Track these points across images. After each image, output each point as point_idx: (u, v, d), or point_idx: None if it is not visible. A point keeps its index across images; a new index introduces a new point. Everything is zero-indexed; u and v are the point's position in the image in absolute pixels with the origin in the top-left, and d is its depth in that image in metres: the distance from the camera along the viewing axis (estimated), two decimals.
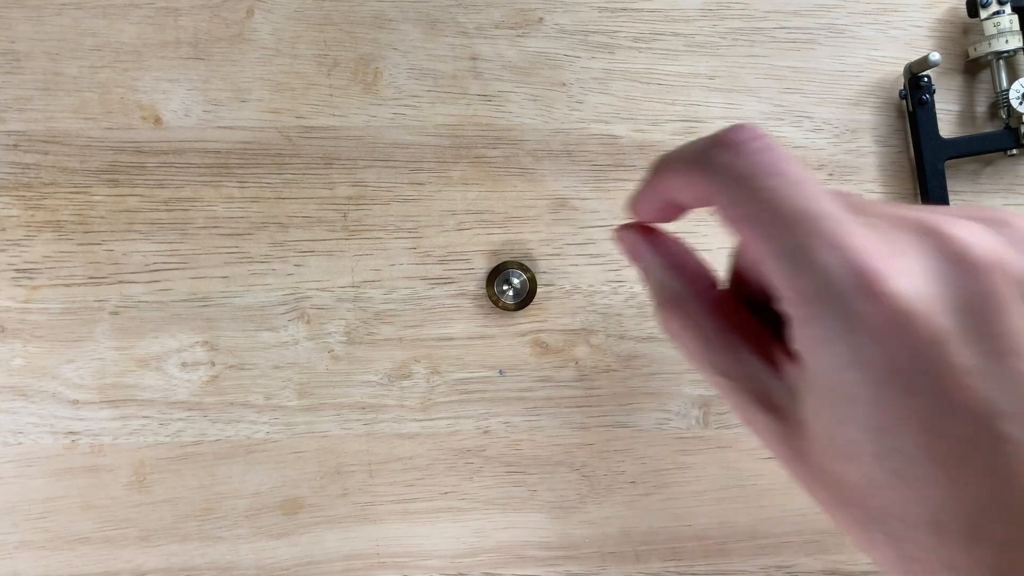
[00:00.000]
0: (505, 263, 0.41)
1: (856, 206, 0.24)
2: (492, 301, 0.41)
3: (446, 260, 0.41)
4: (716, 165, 0.24)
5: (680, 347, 0.28)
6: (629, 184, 0.42)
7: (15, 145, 0.40)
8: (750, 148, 0.24)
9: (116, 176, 0.40)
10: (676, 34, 0.42)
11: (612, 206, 0.42)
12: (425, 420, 0.41)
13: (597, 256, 0.42)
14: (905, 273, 0.22)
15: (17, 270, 0.40)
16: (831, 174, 0.43)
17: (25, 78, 0.40)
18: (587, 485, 0.42)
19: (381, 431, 0.41)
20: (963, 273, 0.22)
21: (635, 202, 0.29)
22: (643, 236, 0.30)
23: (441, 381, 0.41)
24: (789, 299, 0.23)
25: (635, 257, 0.30)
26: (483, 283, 0.41)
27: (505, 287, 0.41)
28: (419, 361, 0.41)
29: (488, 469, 0.41)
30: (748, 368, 0.26)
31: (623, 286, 0.42)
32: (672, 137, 0.42)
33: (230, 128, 0.40)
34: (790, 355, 0.24)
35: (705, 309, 0.27)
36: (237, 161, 0.40)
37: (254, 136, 0.41)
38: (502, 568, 0.41)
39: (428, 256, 0.41)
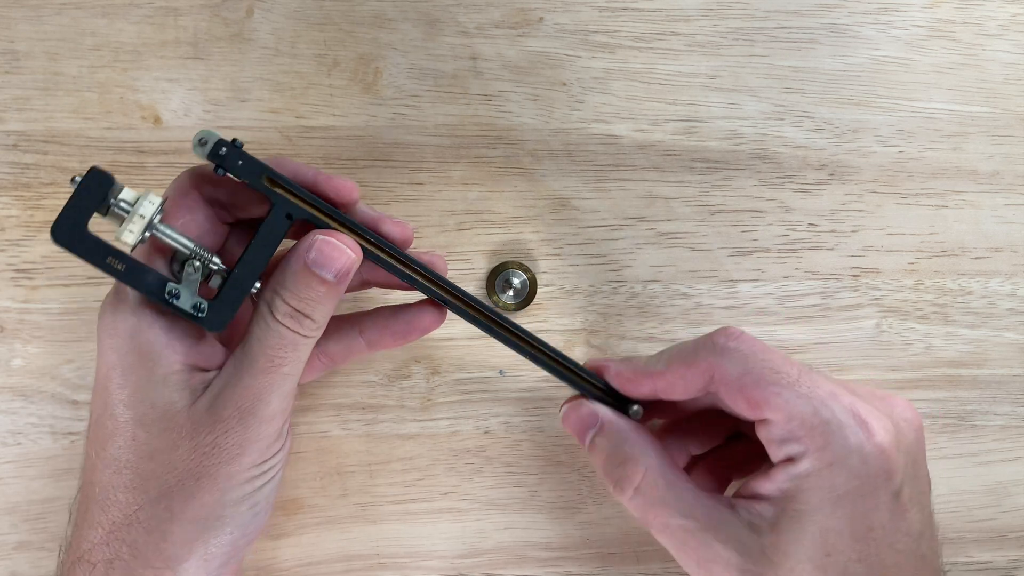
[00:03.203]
0: (505, 263, 0.41)
1: (825, 374, 0.32)
2: (492, 301, 0.41)
3: (446, 260, 0.41)
4: (723, 348, 0.32)
5: (640, 502, 0.33)
6: (629, 184, 0.42)
7: (15, 145, 0.40)
8: (745, 336, 0.32)
9: (116, 176, 0.40)
10: (677, 34, 0.42)
11: (612, 206, 0.42)
12: (425, 420, 0.41)
13: (597, 256, 0.42)
14: (879, 419, 0.31)
15: (16, 270, 0.40)
16: (832, 174, 0.43)
17: (25, 78, 0.40)
18: (588, 485, 0.42)
19: (381, 431, 0.41)
20: (905, 430, 0.32)
21: (624, 379, 0.35)
22: (590, 411, 0.35)
23: (441, 381, 0.41)
24: (801, 436, 0.30)
25: (585, 430, 0.35)
26: (483, 283, 0.41)
27: (505, 287, 0.41)
28: (419, 361, 0.41)
29: (488, 470, 0.41)
30: (709, 509, 0.32)
31: (623, 286, 0.42)
32: (673, 137, 0.42)
33: (230, 128, 0.40)
34: (757, 497, 0.31)
35: (665, 463, 0.33)
36: None
37: (254, 136, 0.40)
38: (502, 569, 0.41)
39: None
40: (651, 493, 0.32)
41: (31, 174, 0.40)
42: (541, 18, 0.42)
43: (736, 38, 0.42)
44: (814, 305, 0.42)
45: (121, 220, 0.30)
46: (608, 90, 0.42)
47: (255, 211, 0.33)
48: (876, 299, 0.43)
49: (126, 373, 0.30)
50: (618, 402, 0.36)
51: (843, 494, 0.30)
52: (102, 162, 0.40)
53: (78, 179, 0.29)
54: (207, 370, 0.32)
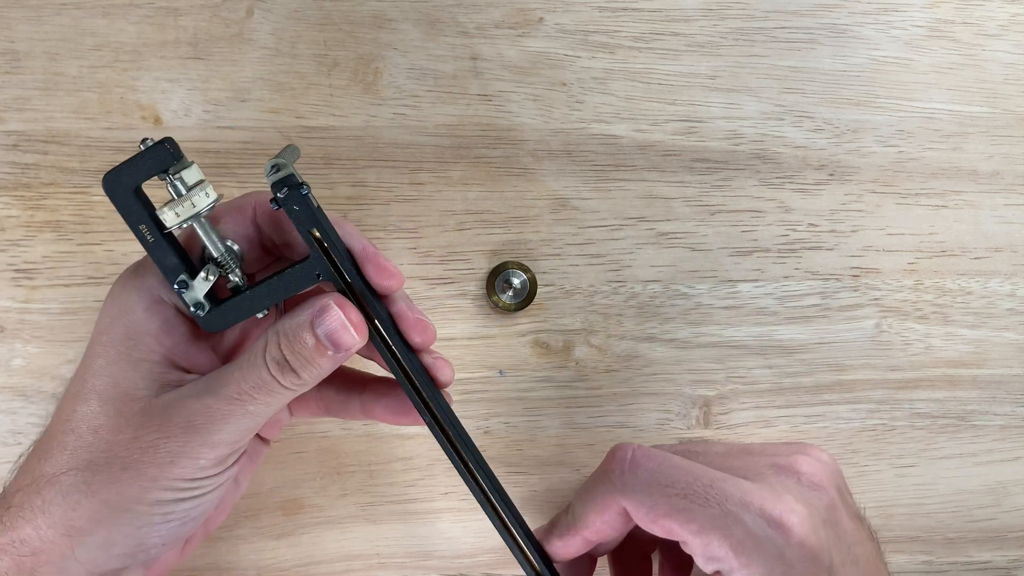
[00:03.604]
0: (505, 263, 0.41)
1: (716, 453, 0.33)
2: (492, 301, 0.41)
3: (446, 260, 0.41)
4: (623, 485, 0.32)
5: None
6: (629, 184, 0.42)
7: (15, 145, 0.40)
8: (638, 460, 0.32)
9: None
10: (676, 34, 0.42)
11: (612, 206, 0.42)
12: None
13: (597, 256, 0.42)
14: (791, 511, 0.31)
15: (17, 270, 0.40)
16: (832, 174, 0.43)
17: (25, 78, 0.40)
18: None
19: (381, 431, 0.41)
20: (816, 494, 0.32)
21: (559, 545, 0.34)
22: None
23: None
24: (722, 556, 0.30)
25: None
26: (483, 283, 0.41)
27: (505, 287, 0.41)
28: None
29: None
30: None
31: (623, 286, 0.42)
32: (672, 137, 0.42)
33: (230, 128, 0.40)
34: None
35: None
36: (237, 161, 0.40)
37: (254, 136, 0.41)
38: (502, 568, 0.41)
39: (428, 256, 0.41)
40: None
41: (31, 174, 0.40)
42: (541, 18, 0.42)
43: (736, 38, 0.42)
44: (814, 305, 0.42)
45: (173, 197, 0.30)
46: (608, 90, 0.42)
47: (298, 256, 0.33)
48: (876, 299, 0.43)
49: (107, 345, 0.31)
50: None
51: None
52: (102, 162, 0.40)
53: (149, 142, 0.29)
54: (188, 371, 0.32)
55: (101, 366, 0.31)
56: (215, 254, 0.31)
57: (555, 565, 0.35)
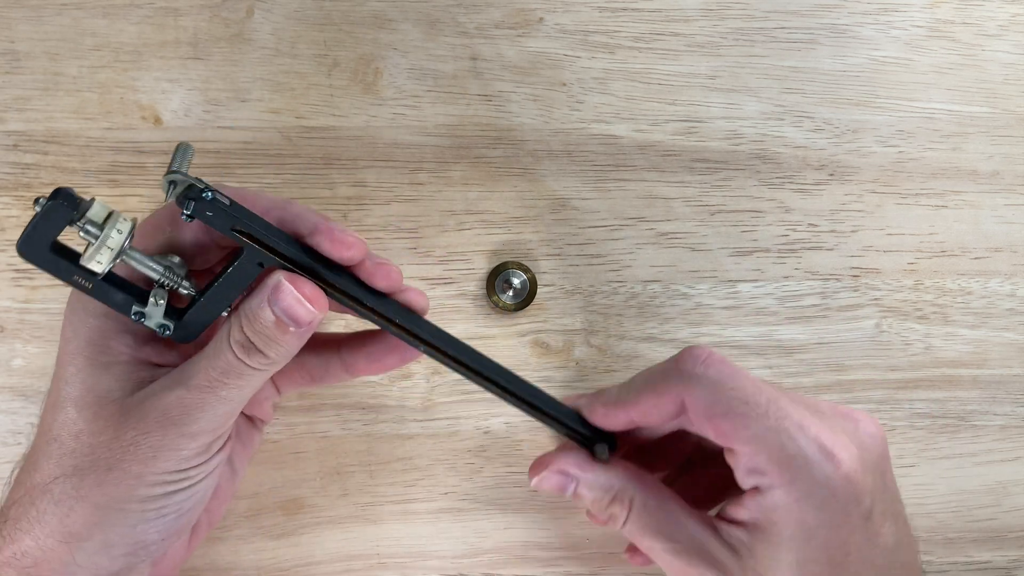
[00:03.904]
0: (505, 263, 0.41)
1: (793, 398, 0.33)
2: (492, 301, 0.41)
3: (446, 260, 0.41)
4: (691, 374, 0.32)
5: (630, 530, 0.34)
6: (629, 184, 0.42)
7: (15, 145, 0.40)
8: (713, 360, 0.32)
9: (116, 176, 0.40)
10: (676, 34, 0.42)
11: (612, 206, 0.42)
12: (425, 420, 0.41)
13: (597, 256, 0.42)
14: (845, 446, 0.31)
15: (17, 270, 0.40)
16: (831, 174, 0.43)
17: (25, 78, 0.40)
18: None
19: (381, 431, 0.41)
20: (871, 447, 0.32)
21: (600, 414, 0.35)
22: (566, 459, 0.35)
23: (441, 381, 0.41)
24: (767, 470, 0.31)
25: (563, 490, 0.35)
26: (483, 283, 0.41)
27: (505, 287, 0.41)
28: (419, 361, 0.41)
29: (489, 469, 0.41)
30: (691, 532, 0.33)
31: (623, 286, 0.42)
32: (672, 137, 0.42)
33: (230, 128, 0.40)
34: (733, 521, 0.32)
35: (646, 489, 0.34)
36: (237, 161, 0.40)
37: (254, 136, 0.41)
38: (502, 568, 0.41)
39: (428, 256, 0.41)
40: (638, 523, 0.34)
41: (31, 174, 0.40)
42: (541, 18, 0.42)
43: (736, 38, 0.42)
44: (814, 305, 0.42)
45: (89, 241, 0.29)
46: (608, 90, 0.42)
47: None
48: (876, 299, 0.43)
49: (75, 353, 0.31)
50: (596, 435, 0.36)
51: (814, 526, 0.30)
52: (102, 162, 0.40)
53: (42, 200, 0.28)
54: (161, 366, 0.32)
55: (72, 373, 0.31)
56: (156, 277, 0.31)
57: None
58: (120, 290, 0.30)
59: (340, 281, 0.31)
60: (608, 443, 0.36)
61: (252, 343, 0.30)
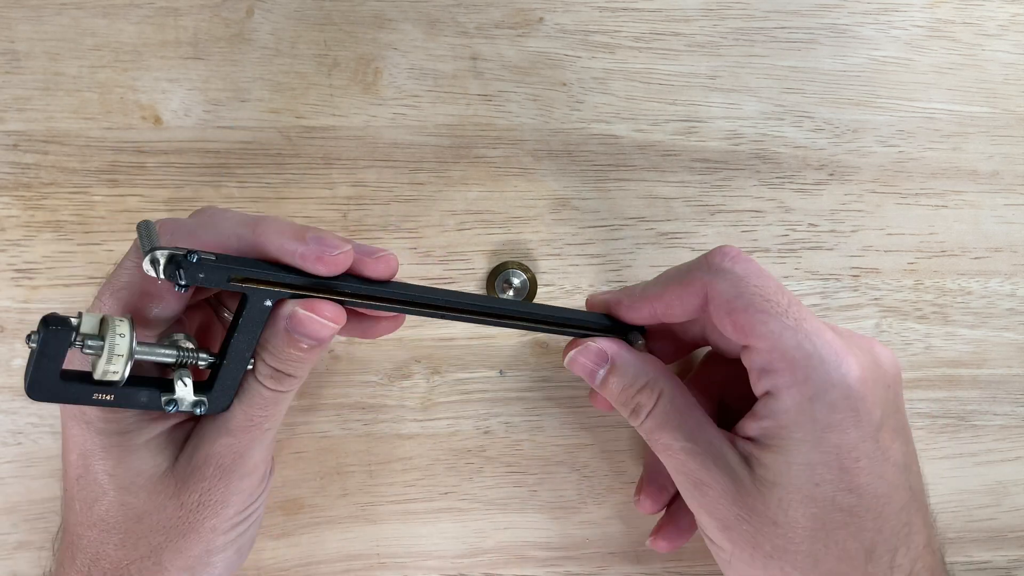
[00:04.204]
0: (505, 263, 0.41)
1: (813, 313, 0.32)
2: None
3: (446, 260, 0.41)
4: (718, 268, 0.32)
5: (650, 424, 0.34)
6: (630, 184, 0.42)
7: (15, 145, 0.40)
8: (741, 258, 0.32)
9: (116, 176, 0.40)
10: (676, 34, 0.42)
11: (612, 206, 0.42)
12: (425, 420, 0.41)
13: (597, 256, 0.42)
14: (859, 356, 0.31)
15: (17, 270, 0.40)
16: (831, 174, 0.43)
17: (25, 78, 0.40)
18: (587, 485, 0.42)
19: (381, 431, 0.41)
20: (886, 366, 0.32)
21: (625, 306, 0.35)
22: (599, 350, 0.35)
23: (441, 381, 0.41)
24: (781, 368, 0.30)
25: (595, 370, 0.35)
26: (483, 283, 0.41)
27: (505, 287, 0.41)
28: (419, 361, 0.41)
29: (488, 469, 0.41)
30: (710, 435, 0.33)
31: (623, 286, 0.42)
32: (672, 137, 0.42)
33: (230, 128, 0.40)
34: (746, 438, 0.32)
35: (675, 386, 0.34)
36: (237, 161, 0.40)
37: (254, 136, 0.41)
38: (502, 568, 0.41)
39: (428, 256, 0.41)
40: (660, 417, 0.33)
41: (31, 174, 0.40)
42: (541, 18, 0.42)
43: (736, 38, 0.42)
44: (814, 305, 0.42)
45: (95, 355, 0.28)
46: (608, 90, 0.42)
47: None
48: (876, 299, 0.43)
49: (106, 448, 0.30)
50: (619, 334, 0.36)
51: (826, 426, 0.30)
52: (102, 162, 0.40)
53: (34, 337, 0.27)
54: (181, 423, 0.32)
55: (113, 467, 0.31)
56: (172, 361, 0.30)
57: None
58: (141, 388, 0.30)
59: (346, 285, 0.31)
60: (641, 331, 0.36)
61: (281, 371, 0.31)
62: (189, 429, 0.32)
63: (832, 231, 0.43)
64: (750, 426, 0.32)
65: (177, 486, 0.31)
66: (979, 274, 0.43)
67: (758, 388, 0.32)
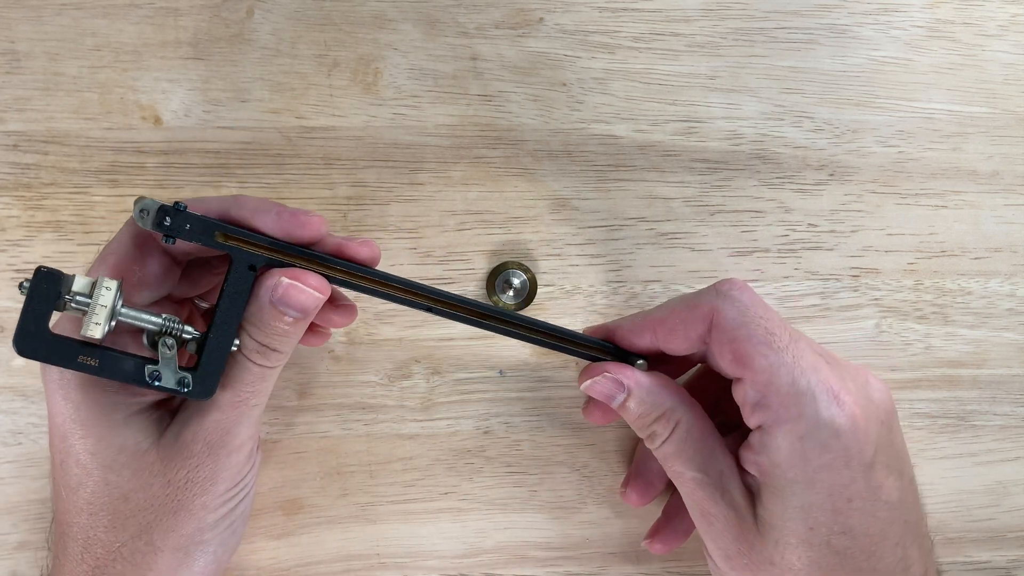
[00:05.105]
0: (505, 263, 0.41)
1: (811, 344, 0.33)
2: (492, 301, 0.41)
3: (446, 260, 0.41)
4: (727, 294, 0.33)
5: (664, 452, 0.34)
6: (630, 184, 0.42)
7: (15, 145, 0.40)
8: (748, 289, 0.33)
9: (116, 176, 0.40)
10: (676, 34, 0.42)
11: (612, 206, 0.42)
12: (425, 420, 0.41)
13: (597, 256, 0.42)
14: (852, 394, 0.31)
15: (17, 270, 0.40)
16: (831, 174, 0.43)
17: (25, 78, 0.40)
18: (588, 485, 0.42)
19: (381, 431, 0.41)
20: (878, 400, 0.33)
21: (626, 330, 0.35)
22: (621, 368, 0.35)
23: (441, 381, 0.41)
24: (775, 404, 0.31)
25: (612, 397, 0.35)
26: (483, 283, 0.41)
27: (505, 287, 0.41)
28: (419, 361, 0.41)
29: (488, 469, 0.41)
30: (721, 466, 0.33)
31: (623, 286, 0.42)
32: (672, 137, 0.42)
33: (230, 128, 0.40)
34: (746, 465, 0.32)
35: (693, 415, 0.34)
36: (237, 161, 0.40)
37: (254, 136, 0.41)
38: (502, 568, 0.41)
39: (428, 256, 0.41)
40: (675, 445, 0.34)
41: (31, 174, 0.40)
42: (541, 18, 0.42)
43: (736, 38, 0.42)
44: (814, 305, 0.42)
45: (81, 314, 0.28)
46: (608, 90, 0.42)
47: (207, 252, 0.33)
48: (876, 299, 0.43)
49: (86, 425, 0.30)
50: (622, 359, 0.36)
51: (818, 467, 0.30)
52: (102, 163, 0.40)
53: (26, 284, 0.28)
54: (161, 401, 0.32)
55: (94, 445, 0.30)
56: (157, 327, 0.30)
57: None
58: (127, 358, 0.30)
59: (334, 261, 0.32)
60: (643, 359, 0.36)
61: (267, 346, 0.31)
62: (174, 409, 0.32)
63: (832, 231, 0.43)
64: (748, 459, 0.32)
65: (163, 463, 0.31)
66: (979, 274, 0.43)
67: (751, 421, 0.32)
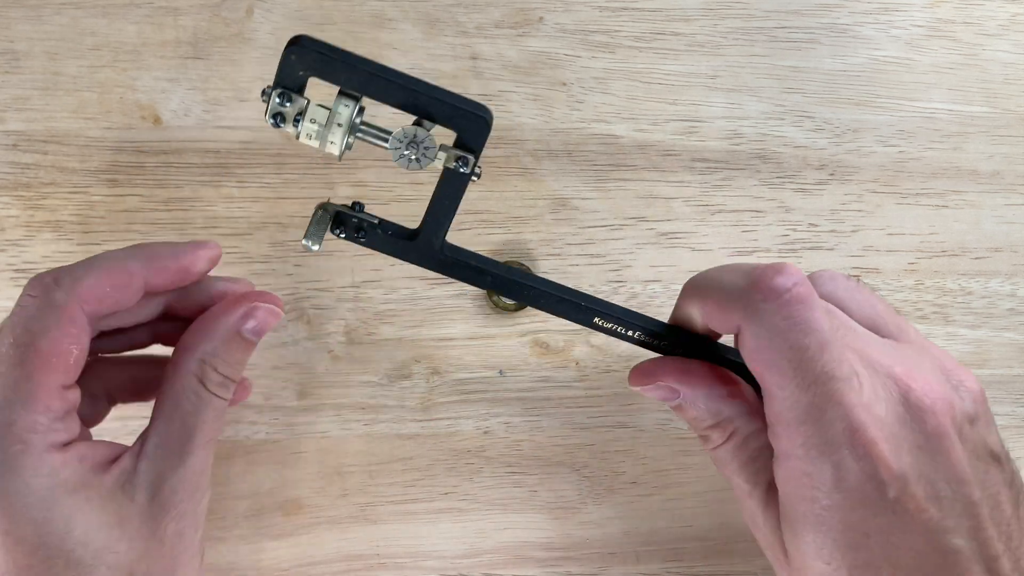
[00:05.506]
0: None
1: (848, 329, 0.30)
2: (492, 301, 0.41)
3: None
4: (756, 311, 0.28)
5: (716, 456, 0.33)
6: (629, 184, 0.42)
7: (14, 145, 0.40)
8: (789, 299, 0.28)
9: (116, 176, 0.40)
10: (677, 33, 0.42)
11: (612, 206, 0.42)
12: (425, 420, 0.41)
13: (597, 256, 0.42)
14: (883, 427, 0.28)
15: (16, 270, 0.40)
16: (832, 174, 0.43)
17: (24, 78, 0.40)
18: (588, 485, 0.42)
19: (381, 431, 0.41)
20: (920, 419, 0.28)
21: (678, 315, 0.34)
22: (686, 369, 0.33)
23: (441, 381, 0.41)
24: (782, 436, 0.29)
25: (668, 400, 0.33)
26: None
27: None
28: (419, 361, 0.41)
29: (488, 469, 0.41)
30: (769, 481, 0.31)
31: (623, 286, 0.42)
32: (672, 137, 0.42)
33: (230, 128, 0.40)
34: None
35: (750, 427, 0.32)
36: (237, 161, 0.40)
37: (254, 136, 0.40)
38: (502, 569, 0.41)
39: None
40: (728, 454, 0.32)
41: (31, 174, 0.40)
42: (541, 18, 0.42)
43: (736, 38, 0.42)
44: None
45: (316, 130, 0.28)
46: (608, 90, 0.42)
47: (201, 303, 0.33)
48: None
49: (64, 534, 0.29)
50: (706, 347, 0.34)
51: (826, 507, 0.28)
52: (102, 162, 0.40)
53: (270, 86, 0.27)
54: (117, 457, 0.31)
55: (82, 535, 0.29)
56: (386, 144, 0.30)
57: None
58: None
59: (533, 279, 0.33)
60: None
61: (229, 377, 0.31)
62: (128, 462, 0.30)
63: (832, 231, 0.43)
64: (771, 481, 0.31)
65: (152, 527, 0.30)
66: (980, 274, 0.43)
67: (770, 436, 0.30)
